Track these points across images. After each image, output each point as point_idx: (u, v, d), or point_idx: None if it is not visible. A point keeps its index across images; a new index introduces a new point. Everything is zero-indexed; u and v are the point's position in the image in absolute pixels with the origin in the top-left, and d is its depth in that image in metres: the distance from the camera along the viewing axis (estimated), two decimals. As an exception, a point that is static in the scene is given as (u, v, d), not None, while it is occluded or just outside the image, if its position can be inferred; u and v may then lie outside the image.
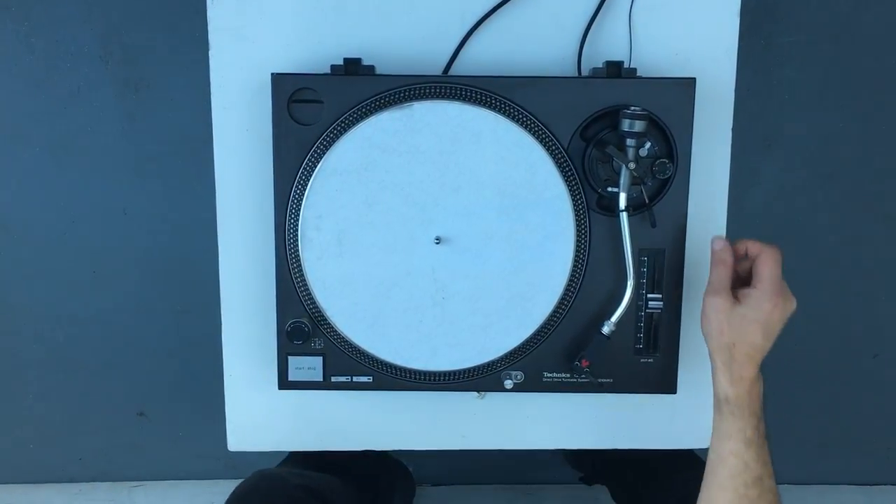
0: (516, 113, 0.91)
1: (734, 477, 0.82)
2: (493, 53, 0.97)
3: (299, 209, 0.92)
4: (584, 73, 0.97)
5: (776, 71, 1.37)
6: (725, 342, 0.83)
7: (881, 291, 1.47)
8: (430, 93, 0.91)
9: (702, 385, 1.03)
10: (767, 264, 0.85)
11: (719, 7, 0.97)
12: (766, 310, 0.83)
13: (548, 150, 0.92)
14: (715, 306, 0.84)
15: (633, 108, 0.90)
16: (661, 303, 0.96)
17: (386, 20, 0.96)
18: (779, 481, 1.48)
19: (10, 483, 1.53)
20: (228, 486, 1.43)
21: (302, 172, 0.92)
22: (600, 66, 0.95)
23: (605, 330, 0.94)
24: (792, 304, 0.84)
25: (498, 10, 0.96)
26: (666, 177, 0.93)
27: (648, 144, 0.92)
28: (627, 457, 1.06)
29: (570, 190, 0.92)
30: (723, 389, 0.83)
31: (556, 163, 0.92)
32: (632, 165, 0.90)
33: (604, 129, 0.93)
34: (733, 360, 0.83)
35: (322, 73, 0.93)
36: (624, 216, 0.91)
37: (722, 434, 0.83)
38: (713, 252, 0.88)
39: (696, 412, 1.04)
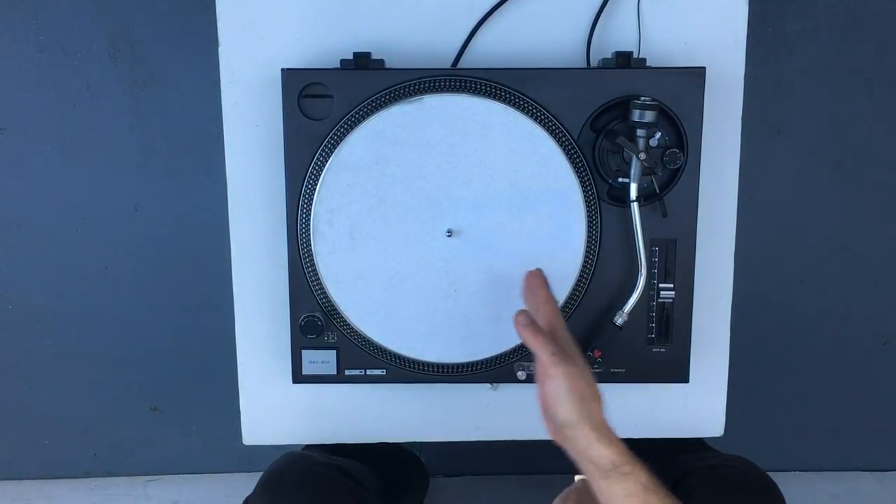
0: (526, 105, 0.91)
1: None
2: (501, 46, 0.97)
3: (311, 204, 0.93)
4: (594, 63, 0.97)
5: (784, 59, 1.36)
6: (588, 407, 0.77)
7: (891, 279, 1.46)
8: (439, 86, 0.91)
9: (714, 374, 1.03)
10: (549, 312, 0.83)
11: (728, -4, 0.97)
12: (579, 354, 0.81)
13: (558, 141, 0.92)
14: (570, 374, 0.77)
15: (643, 98, 0.90)
16: (673, 292, 0.96)
17: (395, 14, 0.96)
18: (790, 468, 1.49)
19: (26, 479, 1.54)
20: (242, 480, 1.44)
21: (313, 167, 0.93)
22: (609, 56, 0.95)
23: (618, 320, 0.94)
24: None
25: (506, 3, 0.96)
26: (676, 166, 0.93)
27: (659, 134, 0.92)
28: (637, 445, 1.06)
29: (580, 181, 0.92)
30: (605, 456, 0.76)
31: (567, 154, 0.92)
32: (642, 156, 0.90)
33: (614, 120, 0.93)
34: (600, 421, 0.77)
35: (332, 67, 0.93)
36: (635, 206, 0.91)
37: (618, 495, 0.76)
38: (523, 327, 0.81)
39: (708, 401, 1.04)
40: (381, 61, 0.94)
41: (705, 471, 1.00)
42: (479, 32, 0.97)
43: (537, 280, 0.87)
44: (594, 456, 0.76)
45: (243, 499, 0.98)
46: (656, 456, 1.10)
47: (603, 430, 0.77)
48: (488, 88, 0.91)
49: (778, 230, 1.43)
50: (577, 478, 1.00)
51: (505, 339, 0.95)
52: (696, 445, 1.13)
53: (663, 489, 0.78)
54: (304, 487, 0.95)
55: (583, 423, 0.77)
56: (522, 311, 0.82)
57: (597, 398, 0.79)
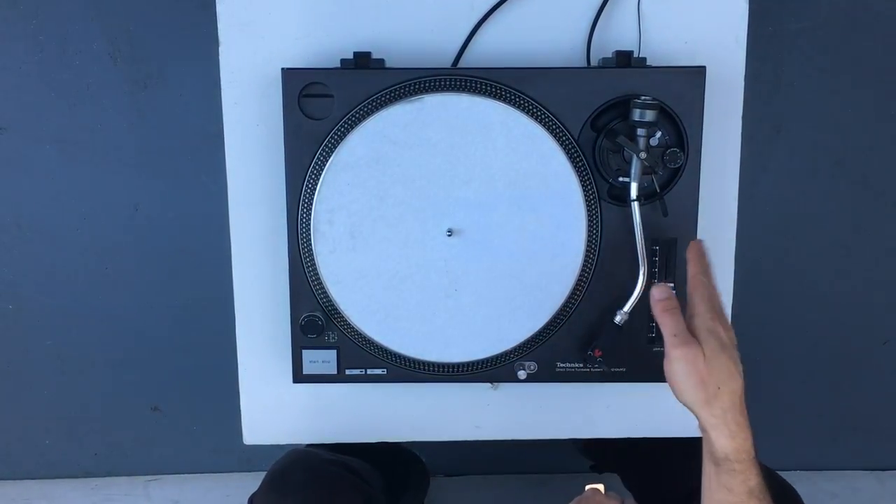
0: (526, 104, 0.91)
1: None
2: (502, 45, 0.97)
3: (311, 203, 0.93)
4: (594, 63, 0.97)
5: (785, 57, 1.37)
6: (712, 392, 0.75)
7: (891, 278, 1.46)
8: (440, 86, 0.91)
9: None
10: (703, 293, 0.80)
11: (728, -5, 0.97)
12: (728, 341, 0.78)
13: (558, 140, 0.92)
14: (688, 357, 0.76)
15: (643, 97, 0.90)
16: (674, 291, 0.96)
17: (395, 13, 0.96)
18: (791, 467, 1.49)
19: (27, 479, 1.54)
20: (243, 480, 1.44)
21: (313, 167, 0.93)
22: (610, 55, 0.95)
23: (618, 319, 0.94)
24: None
25: (506, 2, 0.96)
26: (677, 166, 0.93)
27: (659, 134, 0.92)
28: (638, 444, 1.06)
29: (581, 180, 0.92)
30: (721, 447, 0.75)
31: (567, 153, 0.92)
32: (643, 155, 0.90)
33: (614, 119, 0.93)
34: (726, 410, 0.75)
35: (332, 67, 0.93)
36: (635, 206, 0.91)
37: (720, 488, 0.75)
38: (658, 302, 0.80)
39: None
40: (382, 61, 0.94)
41: None
42: (479, 32, 0.97)
43: (705, 259, 0.83)
44: (711, 442, 0.76)
45: (245, 498, 0.98)
46: (669, 459, 1.10)
47: (729, 418, 0.75)
48: (489, 88, 0.91)
49: (778, 229, 1.43)
50: (587, 487, 1.01)
51: (505, 339, 0.95)
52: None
53: (769, 500, 0.76)
54: (310, 484, 0.95)
55: (702, 408, 0.76)
56: (661, 286, 0.81)
57: (728, 384, 0.75)
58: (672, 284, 0.96)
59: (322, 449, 1.08)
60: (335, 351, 0.97)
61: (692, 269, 0.83)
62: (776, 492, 0.96)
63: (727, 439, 0.75)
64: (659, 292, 0.80)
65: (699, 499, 0.97)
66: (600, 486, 0.99)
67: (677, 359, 0.77)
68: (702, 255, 0.84)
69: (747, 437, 0.75)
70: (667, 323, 0.78)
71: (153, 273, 1.42)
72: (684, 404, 0.78)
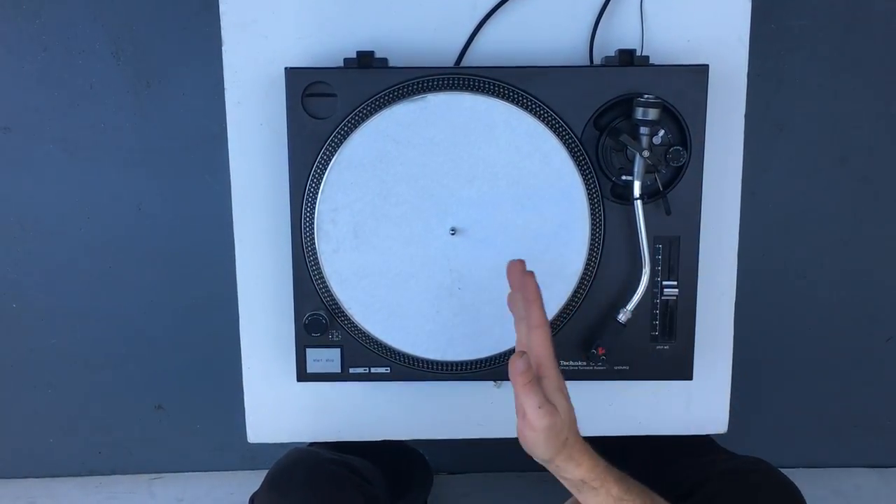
0: (529, 103, 0.92)
1: None
2: (504, 44, 0.98)
3: (315, 203, 0.93)
4: (597, 61, 0.97)
5: (787, 55, 1.36)
6: (562, 442, 0.79)
7: (893, 276, 1.46)
8: (443, 84, 0.91)
9: (717, 371, 1.04)
10: (542, 340, 0.79)
11: (731, -7, 0.97)
12: (565, 388, 0.81)
13: (561, 139, 0.92)
14: (554, 426, 0.77)
15: (646, 96, 0.90)
16: (677, 290, 0.96)
17: (398, 12, 0.97)
18: (793, 465, 1.49)
19: (30, 477, 1.54)
20: (246, 478, 1.44)
21: (317, 166, 0.93)
22: (612, 54, 0.95)
23: (621, 317, 0.94)
24: None
25: (509, 1, 0.96)
26: (680, 164, 0.93)
27: (662, 132, 0.92)
28: (639, 442, 1.07)
29: (584, 179, 0.93)
30: (574, 475, 0.80)
31: (570, 152, 0.92)
32: (646, 153, 0.90)
33: (617, 118, 0.93)
34: (572, 450, 0.80)
35: (335, 66, 0.93)
36: (638, 204, 0.91)
37: None
38: (520, 375, 0.76)
39: (711, 398, 1.04)
40: (385, 60, 0.94)
41: (725, 475, 1.00)
42: (482, 31, 0.97)
43: (532, 291, 0.79)
44: (566, 478, 0.82)
45: (248, 496, 0.99)
46: (671, 458, 1.10)
47: (574, 451, 0.80)
48: (491, 87, 0.91)
49: (781, 227, 1.43)
50: None
51: (509, 337, 0.95)
52: (708, 446, 1.13)
53: (641, 498, 0.82)
54: (311, 483, 0.95)
55: (555, 457, 0.80)
56: (521, 357, 0.77)
57: (572, 428, 0.80)
58: (675, 282, 0.96)
59: (324, 448, 1.08)
60: (339, 349, 0.97)
61: (524, 302, 0.80)
62: (777, 490, 0.97)
63: (576, 469, 0.80)
64: (520, 364, 0.77)
65: (699, 495, 0.97)
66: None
67: (544, 430, 0.77)
68: (526, 280, 0.80)
69: (590, 458, 0.81)
70: (530, 397, 0.77)
71: (157, 272, 1.42)
72: (536, 458, 0.81)
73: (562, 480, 0.82)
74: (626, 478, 0.83)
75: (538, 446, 0.79)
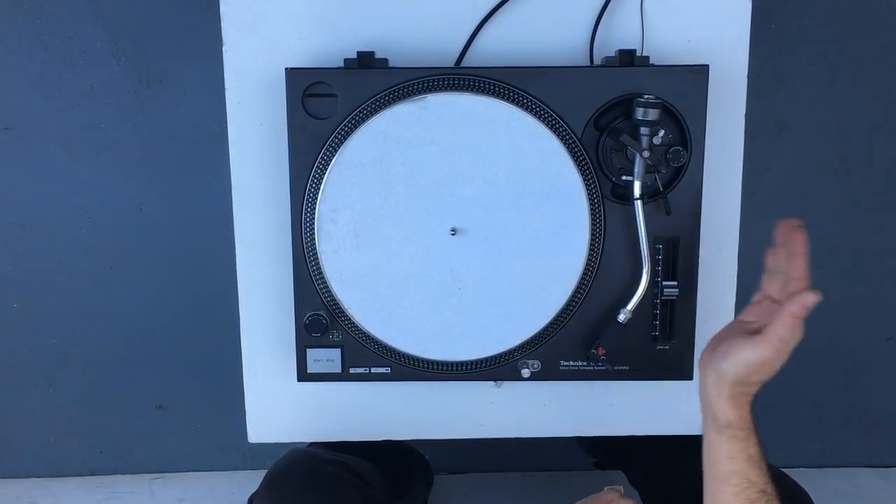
0: (529, 103, 0.92)
1: (739, 494, 0.79)
2: (505, 44, 0.98)
3: (315, 203, 0.93)
4: (597, 61, 0.97)
5: (788, 55, 1.36)
6: (769, 374, 0.78)
7: (893, 275, 1.46)
8: (443, 85, 0.91)
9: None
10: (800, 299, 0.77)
11: (731, -7, 0.97)
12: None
13: (561, 139, 0.92)
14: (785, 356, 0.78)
15: (646, 96, 0.90)
16: (677, 290, 0.96)
17: (398, 13, 0.97)
18: (794, 465, 1.49)
19: (32, 477, 1.55)
20: (247, 478, 1.44)
21: (317, 166, 0.93)
22: (613, 54, 0.95)
23: (621, 317, 0.94)
24: None
25: (509, 1, 0.96)
26: (680, 164, 0.93)
27: (662, 132, 0.92)
28: (642, 442, 1.07)
29: (584, 179, 0.93)
30: (724, 415, 0.79)
31: (570, 152, 0.92)
32: (646, 154, 0.90)
33: (617, 118, 0.93)
34: (742, 384, 0.79)
35: (336, 66, 0.93)
36: (638, 204, 0.91)
37: (722, 455, 0.80)
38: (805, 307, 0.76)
39: (712, 398, 1.04)
40: (385, 60, 0.94)
41: None
42: (482, 31, 0.97)
43: (800, 244, 0.77)
44: (717, 408, 0.79)
45: (248, 496, 0.99)
46: (673, 458, 1.10)
47: (739, 391, 0.78)
48: (492, 87, 0.92)
49: (781, 227, 1.43)
50: (606, 487, 1.02)
51: (509, 337, 0.96)
52: None
53: (767, 469, 0.79)
54: (309, 484, 0.95)
55: (751, 386, 0.78)
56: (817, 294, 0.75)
57: (756, 372, 0.78)
58: (675, 282, 0.96)
59: (324, 448, 1.08)
60: (339, 349, 0.97)
61: (787, 259, 0.78)
62: (786, 493, 0.97)
63: (733, 409, 0.78)
64: (812, 297, 0.75)
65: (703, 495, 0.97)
66: (619, 488, 1.00)
67: (787, 352, 0.78)
68: (796, 234, 0.78)
69: (749, 410, 0.79)
70: (797, 331, 0.77)
71: (157, 272, 1.42)
72: (737, 373, 0.79)
73: (707, 418, 0.80)
74: (775, 476, 0.81)
75: (771, 363, 0.77)
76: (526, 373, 0.97)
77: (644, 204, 0.92)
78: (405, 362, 0.97)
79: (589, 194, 0.93)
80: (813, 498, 0.99)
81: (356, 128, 0.92)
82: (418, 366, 0.97)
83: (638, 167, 0.91)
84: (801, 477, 1.01)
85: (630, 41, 0.97)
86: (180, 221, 1.40)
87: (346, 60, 0.93)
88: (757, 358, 0.77)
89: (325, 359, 0.98)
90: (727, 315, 1.03)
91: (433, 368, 0.97)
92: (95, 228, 1.41)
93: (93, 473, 1.55)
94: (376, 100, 0.92)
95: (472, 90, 0.91)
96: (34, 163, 1.38)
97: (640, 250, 0.93)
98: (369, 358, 0.97)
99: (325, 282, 0.95)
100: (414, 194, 0.93)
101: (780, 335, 0.77)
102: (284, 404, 1.04)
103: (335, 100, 0.92)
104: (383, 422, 1.05)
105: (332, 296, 0.95)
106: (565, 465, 1.52)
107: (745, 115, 0.99)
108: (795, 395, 1.51)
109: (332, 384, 1.01)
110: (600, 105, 0.92)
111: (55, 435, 1.53)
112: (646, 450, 1.22)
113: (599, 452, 1.42)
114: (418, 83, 0.91)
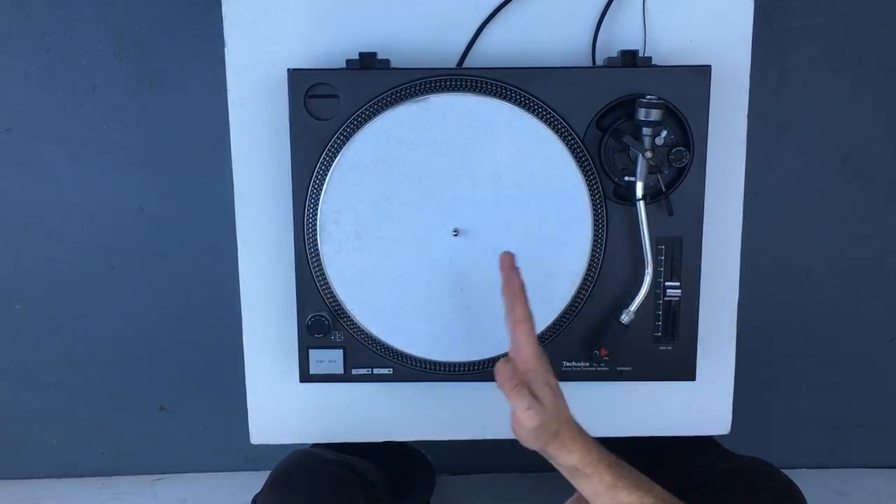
0: (532, 104, 0.92)
1: None
2: (507, 45, 0.98)
3: (318, 204, 0.93)
4: (599, 62, 0.97)
5: (790, 55, 1.36)
6: (552, 433, 0.81)
7: (895, 275, 1.46)
8: (445, 85, 0.92)
9: (720, 372, 1.04)
10: (525, 333, 0.82)
11: (733, -6, 0.97)
12: (553, 381, 0.82)
13: (564, 140, 0.92)
14: (544, 423, 0.80)
15: (648, 96, 0.90)
16: (679, 290, 0.96)
17: (400, 14, 0.97)
18: (794, 465, 1.49)
19: (34, 478, 1.54)
20: (249, 479, 1.44)
21: (319, 167, 0.93)
22: (615, 55, 0.95)
23: (624, 318, 0.94)
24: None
25: (511, 2, 0.96)
26: (682, 165, 0.93)
27: (664, 133, 0.92)
28: (641, 441, 1.07)
29: (586, 180, 0.93)
30: (567, 462, 0.82)
31: (573, 153, 0.92)
32: (648, 154, 0.90)
33: (620, 119, 0.93)
34: (563, 438, 0.81)
35: (338, 67, 0.93)
36: (641, 205, 0.91)
37: (588, 493, 0.83)
38: (507, 381, 0.80)
39: (714, 398, 1.04)
40: (387, 61, 0.94)
41: (726, 475, 1.00)
42: (484, 32, 0.97)
43: (516, 286, 0.83)
44: (559, 463, 0.83)
45: (251, 497, 0.99)
46: (673, 458, 1.10)
47: (566, 439, 0.81)
48: (494, 88, 0.91)
49: (784, 227, 1.43)
50: None
51: (511, 338, 0.95)
52: (709, 446, 1.13)
53: (635, 484, 0.82)
54: (313, 485, 0.95)
55: (546, 446, 0.81)
56: (507, 364, 0.81)
57: (561, 418, 0.81)
58: (678, 283, 0.96)
59: (326, 449, 1.08)
60: (342, 350, 0.97)
61: (508, 297, 0.84)
62: (777, 489, 0.97)
63: (568, 456, 0.81)
64: (505, 372, 0.80)
65: (700, 495, 0.97)
66: None
67: (535, 428, 0.79)
68: (511, 276, 0.84)
69: (582, 446, 0.82)
70: (518, 400, 0.79)
71: (159, 273, 1.42)
72: (530, 447, 0.83)
73: (556, 466, 0.84)
74: (620, 464, 0.83)
75: (529, 441, 0.82)
76: (528, 373, 0.97)
77: (646, 204, 0.92)
78: (407, 363, 0.97)
79: (591, 195, 0.93)
80: (814, 498, 0.98)
81: (358, 128, 0.92)
82: (420, 367, 0.97)
83: (640, 168, 0.91)
84: (805, 477, 1.01)
85: (632, 42, 0.97)
86: (182, 222, 1.40)
87: (348, 61, 0.93)
88: (516, 436, 0.83)
89: (327, 360, 0.98)
90: (729, 315, 1.03)
91: (435, 369, 0.97)
92: (97, 229, 1.41)
93: (95, 474, 1.55)
94: (378, 100, 0.92)
95: (474, 91, 0.91)
96: (36, 164, 1.38)
97: (642, 251, 0.93)
98: (371, 359, 0.97)
99: (328, 282, 0.95)
100: (416, 195, 0.93)
101: (515, 410, 0.80)
102: (287, 405, 1.04)
103: (337, 100, 0.92)
104: (385, 423, 1.05)
105: (334, 297, 0.95)
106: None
107: (748, 116, 0.99)
108: (797, 396, 1.51)
109: (335, 385, 1.01)
110: (603, 106, 0.92)
111: (57, 436, 1.53)
112: (644, 449, 1.22)
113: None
114: (420, 84, 0.91)
